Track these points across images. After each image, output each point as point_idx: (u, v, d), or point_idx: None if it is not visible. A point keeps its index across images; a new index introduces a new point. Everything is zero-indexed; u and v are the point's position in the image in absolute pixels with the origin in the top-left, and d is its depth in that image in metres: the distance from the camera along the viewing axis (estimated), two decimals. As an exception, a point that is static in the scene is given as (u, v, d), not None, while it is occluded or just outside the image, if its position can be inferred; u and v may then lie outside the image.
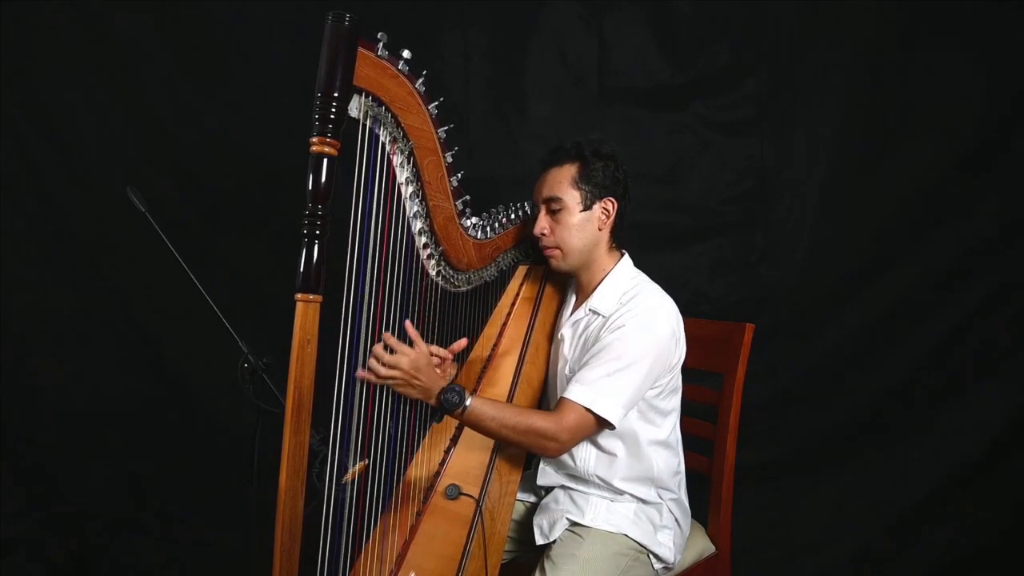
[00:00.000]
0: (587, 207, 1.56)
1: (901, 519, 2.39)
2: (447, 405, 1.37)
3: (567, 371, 1.60)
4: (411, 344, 1.37)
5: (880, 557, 2.39)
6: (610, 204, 1.58)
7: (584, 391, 1.43)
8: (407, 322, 1.38)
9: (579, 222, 1.56)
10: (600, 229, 1.59)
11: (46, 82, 2.28)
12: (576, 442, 1.49)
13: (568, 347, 1.62)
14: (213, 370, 2.28)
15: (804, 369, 2.41)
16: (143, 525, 2.41)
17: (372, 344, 1.31)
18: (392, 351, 1.33)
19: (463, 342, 1.51)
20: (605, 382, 1.43)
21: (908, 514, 2.38)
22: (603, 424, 1.44)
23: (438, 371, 1.44)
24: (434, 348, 1.46)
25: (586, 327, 1.59)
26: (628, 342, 1.46)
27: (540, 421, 1.42)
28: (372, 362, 1.32)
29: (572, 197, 1.55)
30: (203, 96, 2.35)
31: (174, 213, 2.27)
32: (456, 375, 1.69)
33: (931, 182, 2.33)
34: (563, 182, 1.56)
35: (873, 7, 2.31)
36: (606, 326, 1.51)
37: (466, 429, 1.54)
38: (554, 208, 1.57)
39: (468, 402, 1.38)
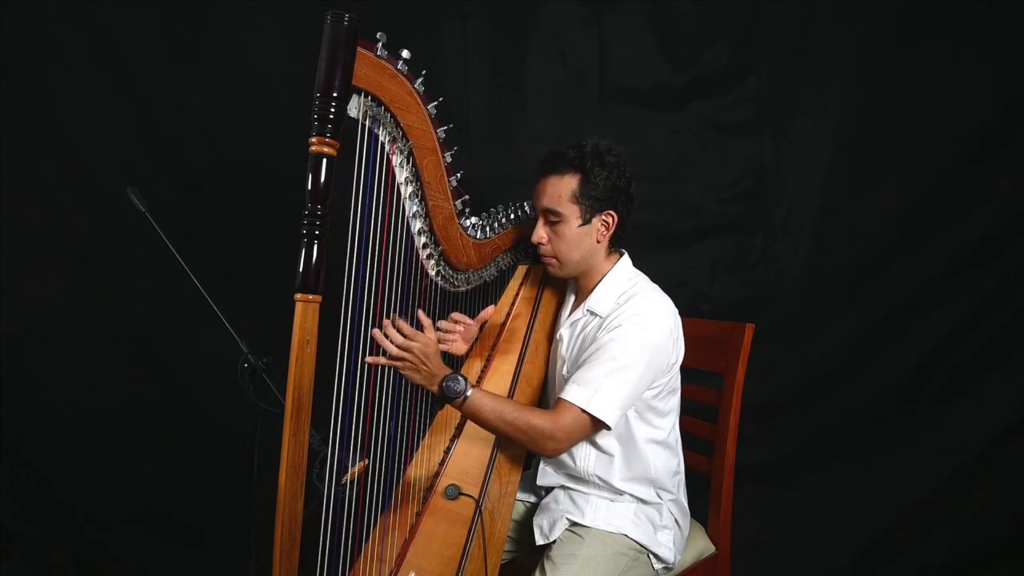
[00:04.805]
0: (586, 221, 1.54)
1: (902, 519, 2.38)
2: (449, 393, 1.37)
3: (564, 371, 1.60)
4: (422, 330, 1.37)
5: (881, 557, 2.39)
6: (610, 217, 1.56)
7: (580, 392, 1.43)
8: (419, 311, 1.39)
9: (577, 236, 1.55)
10: (599, 241, 1.58)
11: (46, 82, 2.28)
12: (573, 442, 1.48)
13: (566, 347, 1.62)
14: (213, 370, 2.29)
15: (804, 368, 2.41)
16: (143, 526, 2.40)
17: (371, 344, 1.31)
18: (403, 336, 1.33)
19: (490, 309, 1.58)
20: (601, 383, 1.42)
21: (909, 514, 2.38)
22: (599, 425, 1.44)
23: (463, 339, 1.65)
24: (459, 315, 1.47)
25: (584, 327, 1.59)
26: (624, 342, 1.45)
27: (538, 419, 1.42)
28: (382, 339, 1.32)
29: (571, 211, 1.53)
30: (203, 96, 2.35)
31: (174, 213, 2.26)
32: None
33: (931, 181, 2.33)
34: (562, 196, 1.53)
35: (873, 7, 2.31)
36: (603, 326, 1.51)
37: (466, 429, 1.54)
38: (552, 220, 1.55)
39: (469, 392, 1.38)
